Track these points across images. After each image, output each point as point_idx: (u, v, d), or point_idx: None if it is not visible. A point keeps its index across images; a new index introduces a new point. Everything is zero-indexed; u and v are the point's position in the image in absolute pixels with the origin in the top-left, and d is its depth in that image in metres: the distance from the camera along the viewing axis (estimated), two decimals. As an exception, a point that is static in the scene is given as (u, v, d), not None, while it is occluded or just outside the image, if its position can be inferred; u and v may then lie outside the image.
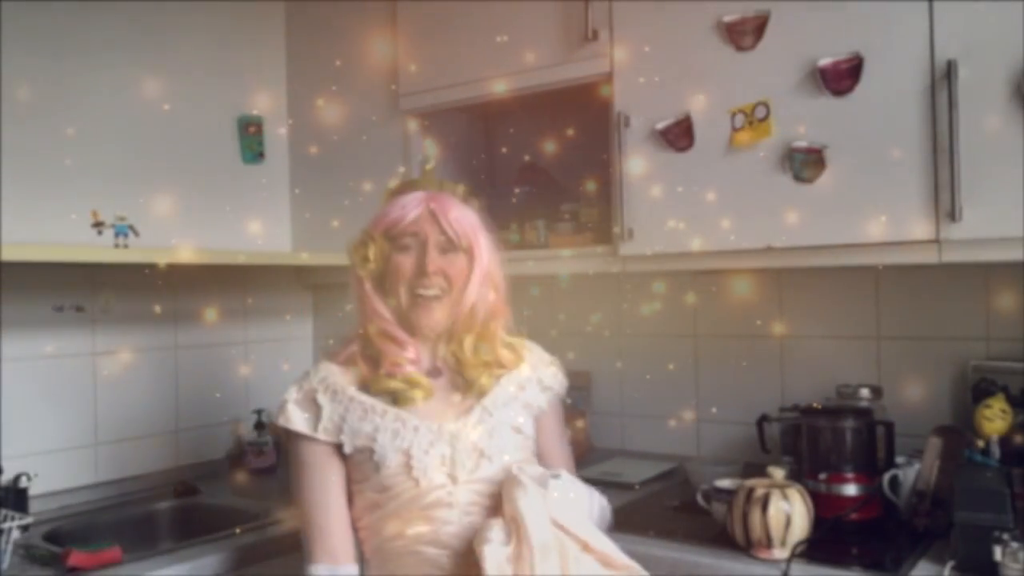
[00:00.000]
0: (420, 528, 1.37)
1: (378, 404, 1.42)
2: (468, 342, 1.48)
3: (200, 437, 2.46)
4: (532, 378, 1.54)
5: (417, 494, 1.38)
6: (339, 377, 1.46)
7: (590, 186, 2.24)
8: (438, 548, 1.37)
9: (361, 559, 1.45)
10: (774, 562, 1.53)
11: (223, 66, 2.54)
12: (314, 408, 1.43)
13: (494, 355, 1.50)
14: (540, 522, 1.26)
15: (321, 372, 1.47)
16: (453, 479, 1.39)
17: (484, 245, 1.49)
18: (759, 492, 1.56)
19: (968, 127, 1.57)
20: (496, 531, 1.28)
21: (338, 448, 1.42)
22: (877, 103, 1.67)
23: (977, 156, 1.57)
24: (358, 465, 1.42)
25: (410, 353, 1.46)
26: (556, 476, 1.36)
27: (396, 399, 1.43)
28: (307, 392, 1.45)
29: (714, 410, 2.29)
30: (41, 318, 2.13)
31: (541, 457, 1.54)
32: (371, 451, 1.39)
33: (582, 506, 1.37)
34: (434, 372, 1.50)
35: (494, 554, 1.24)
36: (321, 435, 1.42)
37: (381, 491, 1.40)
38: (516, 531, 1.26)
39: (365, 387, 1.46)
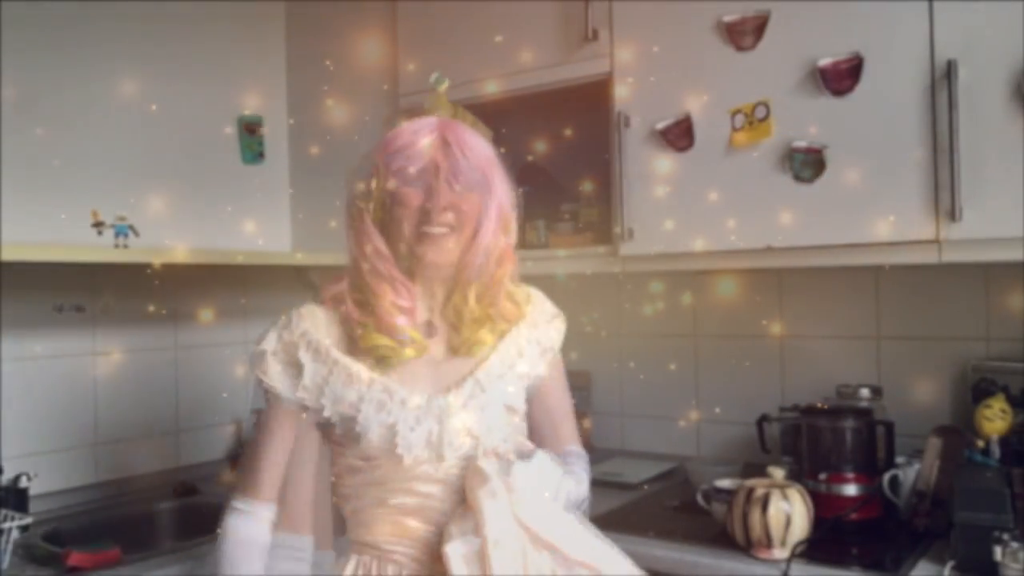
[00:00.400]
0: (404, 500, 1.31)
1: (363, 371, 1.30)
2: (472, 291, 1.34)
3: (200, 437, 2.46)
4: (532, 338, 1.41)
5: (401, 468, 1.30)
6: (322, 329, 1.33)
7: (590, 186, 2.25)
8: (422, 523, 1.30)
9: (340, 519, 1.41)
10: (774, 562, 1.53)
11: (223, 66, 2.54)
12: (295, 364, 1.32)
13: (496, 307, 1.36)
14: (497, 515, 1.20)
15: (304, 323, 1.33)
16: (439, 456, 1.29)
17: (500, 180, 1.34)
18: (759, 492, 1.56)
19: (968, 127, 1.57)
20: (458, 526, 1.23)
21: (316, 411, 1.33)
22: (877, 103, 1.67)
23: (977, 156, 1.57)
24: (340, 430, 1.33)
25: (404, 299, 1.31)
26: (527, 457, 1.29)
27: (384, 357, 1.30)
28: (287, 344, 1.33)
29: (715, 410, 2.29)
30: (41, 318, 2.12)
31: (541, 429, 1.46)
32: (354, 420, 1.29)
33: (549, 488, 1.28)
34: (429, 330, 1.36)
35: (456, 551, 1.20)
36: (300, 394, 1.32)
37: (363, 459, 1.32)
38: (476, 524, 1.21)
39: (350, 337, 1.33)
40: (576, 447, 1.52)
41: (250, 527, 1.35)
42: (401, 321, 1.30)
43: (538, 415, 1.46)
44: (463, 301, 1.34)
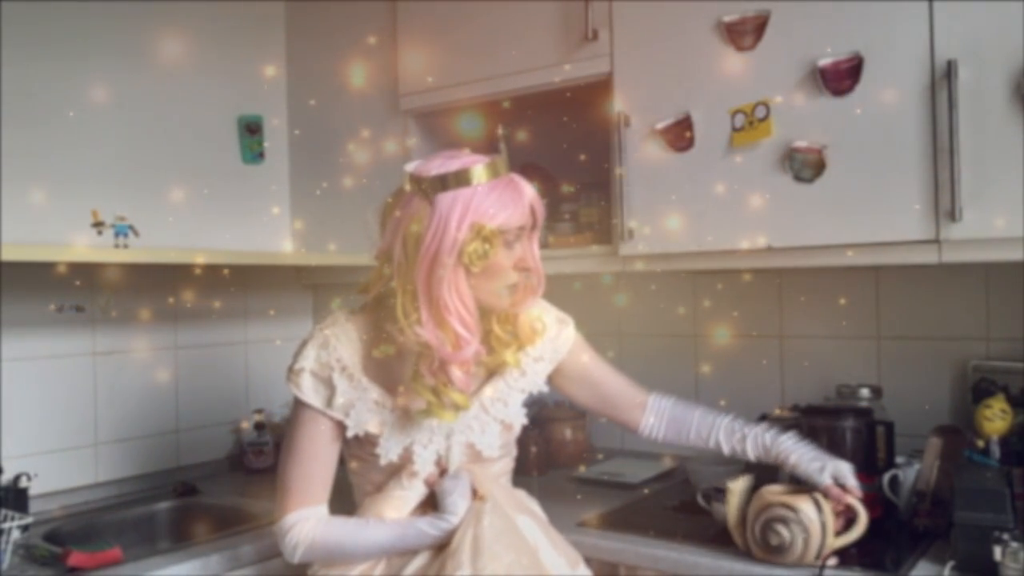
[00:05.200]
0: (411, 492, 1.47)
1: (388, 398, 1.44)
2: (494, 317, 1.48)
3: (200, 437, 2.46)
4: (538, 355, 1.57)
5: (414, 481, 1.46)
6: (354, 348, 1.44)
7: (590, 186, 2.25)
8: (427, 506, 1.48)
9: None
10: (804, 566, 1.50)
11: (223, 66, 2.54)
12: (329, 385, 1.43)
13: (517, 328, 1.51)
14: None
15: (340, 348, 1.44)
16: (443, 469, 1.48)
17: None
18: (775, 509, 1.51)
19: (968, 127, 1.57)
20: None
21: (342, 427, 1.44)
22: (877, 103, 1.67)
23: (977, 156, 1.57)
24: (360, 445, 1.47)
25: (470, 350, 1.38)
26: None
27: (429, 408, 1.39)
28: (324, 365, 1.44)
29: (714, 410, 2.28)
30: (41, 318, 2.13)
31: (610, 404, 1.68)
32: (376, 440, 1.44)
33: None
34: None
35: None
36: (331, 412, 1.44)
37: (380, 472, 1.47)
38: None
39: (372, 347, 1.44)
40: (650, 397, 1.71)
41: (319, 525, 1.43)
42: (459, 380, 1.39)
43: (596, 400, 1.68)
44: (501, 325, 1.49)
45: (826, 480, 1.52)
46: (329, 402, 1.43)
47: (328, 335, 1.45)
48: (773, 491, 1.56)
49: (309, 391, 1.44)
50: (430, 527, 1.40)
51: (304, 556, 1.44)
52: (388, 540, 1.42)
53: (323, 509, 1.46)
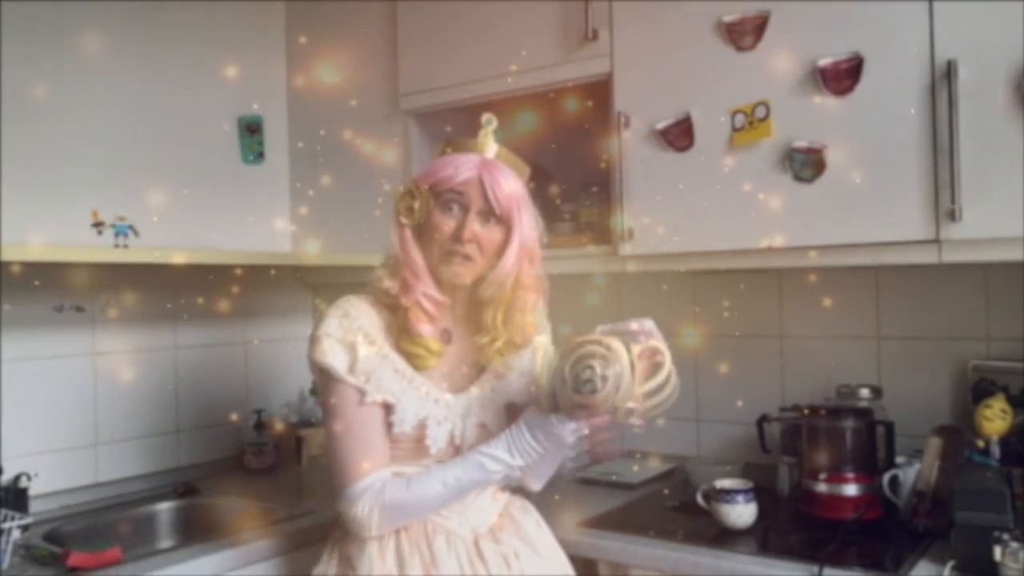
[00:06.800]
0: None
1: (408, 368, 1.48)
2: (501, 310, 1.53)
3: (200, 437, 2.46)
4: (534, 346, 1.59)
5: (422, 449, 1.49)
6: (374, 322, 1.50)
7: (590, 186, 2.25)
8: None
9: None
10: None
11: (223, 66, 2.54)
12: (352, 350, 1.46)
13: (516, 325, 1.53)
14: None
15: (362, 318, 1.49)
16: (457, 449, 1.51)
17: (526, 218, 1.50)
18: (588, 346, 1.38)
19: (968, 127, 1.57)
20: None
21: (362, 393, 1.46)
22: (877, 103, 1.67)
23: (977, 156, 1.57)
24: None
25: (430, 306, 1.48)
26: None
27: (412, 361, 1.48)
28: (347, 331, 1.47)
29: (714, 410, 2.29)
30: (41, 318, 2.13)
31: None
32: (392, 409, 1.46)
33: None
34: (445, 336, 1.55)
35: None
36: (352, 379, 1.45)
37: (393, 440, 1.49)
38: None
39: (388, 327, 1.51)
40: None
41: (388, 486, 1.44)
42: (426, 331, 1.49)
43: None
44: (492, 317, 1.53)
45: (632, 325, 1.44)
46: (351, 368, 1.45)
47: (348, 307, 1.50)
48: (584, 335, 1.43)
49: (332, 355, 1.45)
50: (486, 458, 1.43)
51: (381, 521, 1.42)
52: (452, 474, 1.44)
53: (387, 473, 1.46)
